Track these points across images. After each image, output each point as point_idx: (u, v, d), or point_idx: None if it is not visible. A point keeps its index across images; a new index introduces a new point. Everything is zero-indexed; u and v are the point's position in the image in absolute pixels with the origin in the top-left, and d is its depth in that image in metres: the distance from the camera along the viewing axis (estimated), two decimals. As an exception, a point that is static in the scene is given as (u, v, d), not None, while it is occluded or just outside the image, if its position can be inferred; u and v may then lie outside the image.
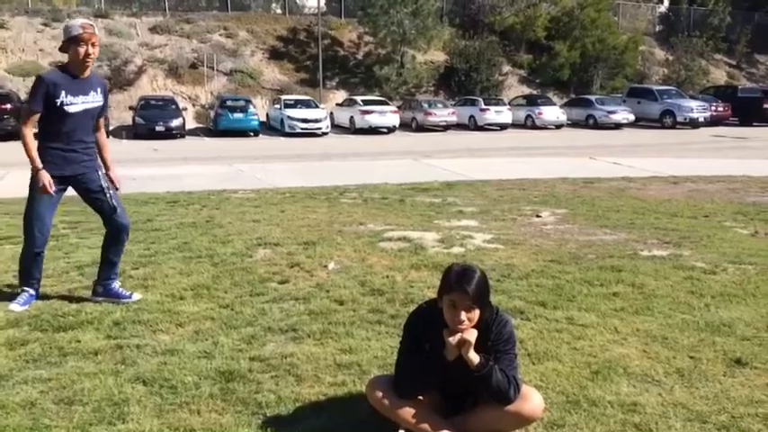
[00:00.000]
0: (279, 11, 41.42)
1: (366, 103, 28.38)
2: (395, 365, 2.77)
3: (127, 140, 24.27)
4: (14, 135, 22.46)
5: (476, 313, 2.60)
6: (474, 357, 2.60)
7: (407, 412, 2.65)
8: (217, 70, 32.40)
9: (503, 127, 29.43)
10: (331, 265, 5.45)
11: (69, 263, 5.56)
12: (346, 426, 2.82)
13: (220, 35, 34.94)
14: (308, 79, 33.67)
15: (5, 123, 22.43)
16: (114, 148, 20.83)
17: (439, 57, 35.89)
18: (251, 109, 26.12)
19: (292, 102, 27.60)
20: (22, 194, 10.38)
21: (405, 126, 28.56)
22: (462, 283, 2.56)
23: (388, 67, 33.77)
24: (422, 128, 28.54)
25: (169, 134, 24.20)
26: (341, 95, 32.79)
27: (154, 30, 34.09)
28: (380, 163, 15.69)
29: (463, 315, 2.58)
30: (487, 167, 13.94)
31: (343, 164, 15.63)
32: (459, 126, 29.36)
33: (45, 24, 32.18)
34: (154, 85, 30.98)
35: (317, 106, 27.85)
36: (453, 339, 2.58)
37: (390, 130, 27.78)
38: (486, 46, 34.93)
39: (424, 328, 2.69)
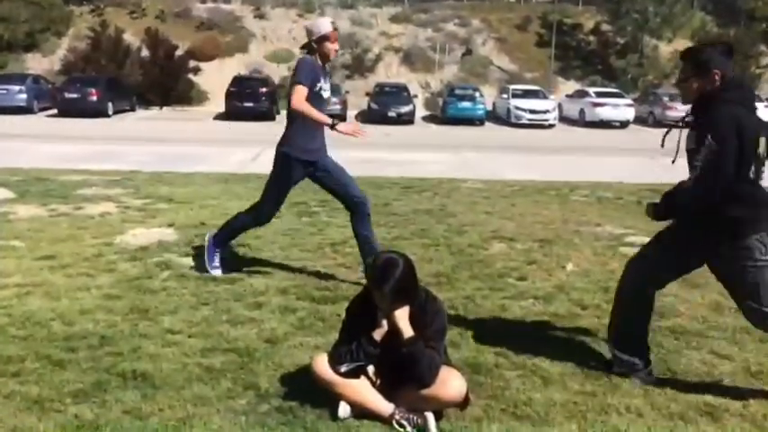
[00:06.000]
0: (513, -1, 41.09)
1: (599, 95, 27.09)
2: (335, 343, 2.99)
3: (361, 124, 25.82)
4: (268, 115, 25.16)
5: (399, 304, 2.78)
6: (407, 329, 2.76)
7: (347, 386, 2.85)
8: (448, 58, 33.10)
9: (757, 125, 26.29)
10: (570, 267, 5.33)
11: (324, 240, 6.08)
12: None
13: (454, 24, 35.62)
14: (538, 68, 33.03)
15: (261, 105, 25.02)
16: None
17: (686, 46, 33.01)
18: (478, 98, 26.29)
19: (520, 92, 27.25)
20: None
21: (640, 120, 26.79)
22: (380, 282, 2.74)
23: (627, 57, 31.84)
24: (660, 123, 26.51)
25: (400, 120, 25.28)
26: (572, 86, 31.69)
27: (393, 19, 35.79)
28: (612, 159, 14.92)
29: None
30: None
31: (571, 158, 15.12)
32: (703, 123, 26.78)
33: (299, 15, 35.36)
34: (388, 72, 32.57)
35: (545, 97, 27.21)
36: (384, 323, 2.81)
37: (623, 124, 26.24)
38: (744, 35, 31.32)
39: (362, 309, 2.90)
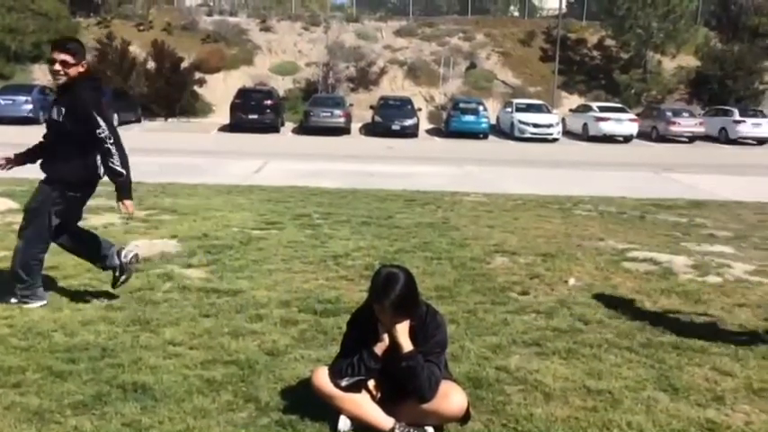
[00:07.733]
0: (516, 13, 41.28)
1: (602, 109, 27.14)
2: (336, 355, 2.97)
3: (365, 137, 25.93)
4: (273, 127, 25.23)
5: (400, 318, 2.78)
6: (406, 343, 2.77)
7: (347, 400, 2.84)
8: (452, 72, 33.22)
9: (761, 142, 26.31)
10: (572, 281, 5.32)
11: (326, 252, 6.08)
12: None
13: (459, 38, 35.77)
14: (542, 83, 33.13)
15: (266, 117, 25.12)
16: (351, 142, 22.38)
17: (690, 62, 33.05)
18: (482, 112, 26.36)
19: (524, 105, 27.32)
20: (280, 183, 11.47)
21: (643, 135, 26.82)
22: (381, 297, 2.74)
23: (631, 72, 31.92)
24: (663, 138, 26.56)
25: (403, 133, 25.32)
26: (575, 100, 31.75)
27: (398, 33, 35.95)
28: (615, 174, 14.92)
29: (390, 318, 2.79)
30: (743, 186, 12.56)
31: (574, 173, 15.11)
32: (706, 138, 26.83)
33: (304, 28, 35.56)
34: (393, 85, 32.65)
35: (549, 111, 27.28)
36: (385, 337, 2.82)
37: (626, 138, 26.28)
38: (747, 51, 31.38)
39: (364, 323, 2.89)
